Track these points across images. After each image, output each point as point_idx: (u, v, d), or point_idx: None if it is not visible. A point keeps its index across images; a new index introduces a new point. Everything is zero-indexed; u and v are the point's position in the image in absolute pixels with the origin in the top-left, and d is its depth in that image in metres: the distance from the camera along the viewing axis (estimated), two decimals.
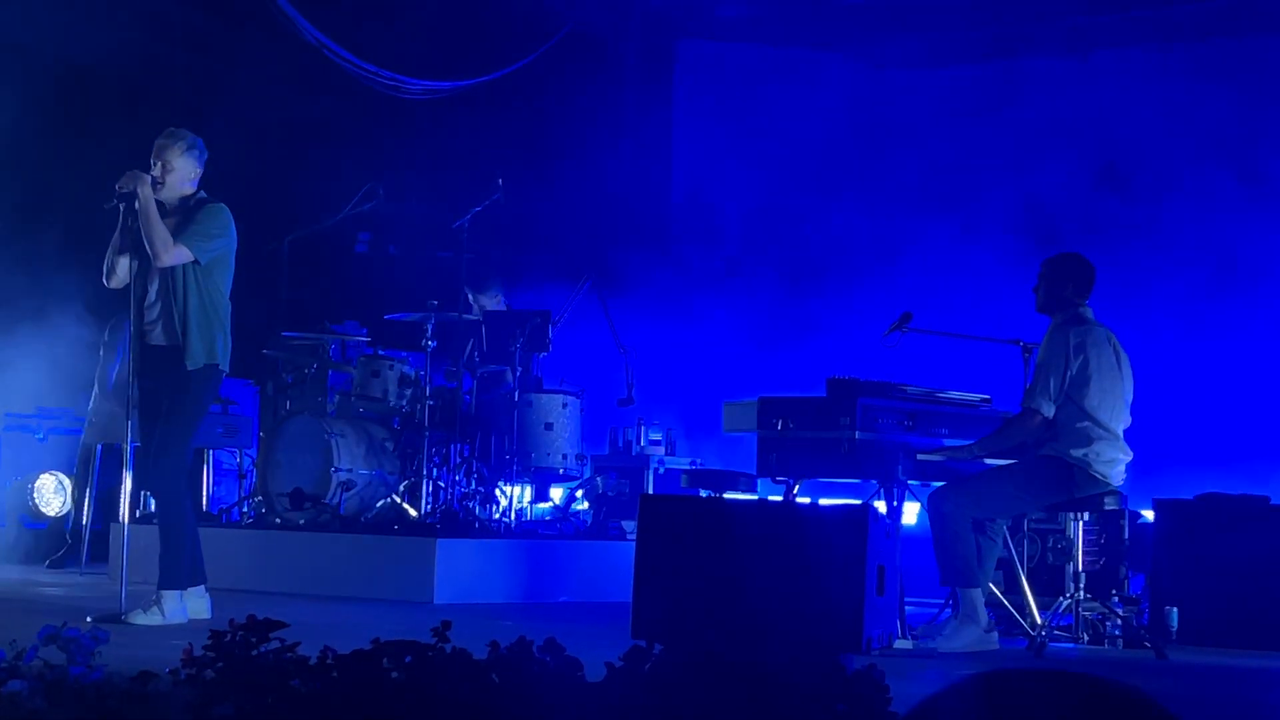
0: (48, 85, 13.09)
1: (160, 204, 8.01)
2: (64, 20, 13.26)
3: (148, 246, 7.92)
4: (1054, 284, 8.50)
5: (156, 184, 7.99)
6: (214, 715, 4.04)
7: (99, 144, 12.86)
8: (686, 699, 3.81)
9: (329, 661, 4.12)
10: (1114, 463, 8.30)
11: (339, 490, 11.00)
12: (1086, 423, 8.24)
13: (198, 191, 8.15)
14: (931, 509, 8.25)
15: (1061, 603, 8.56)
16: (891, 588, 7.69)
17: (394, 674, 4.05)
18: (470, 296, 11.98)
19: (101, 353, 12.01)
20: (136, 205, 7.91)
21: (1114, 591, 9.03)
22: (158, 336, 8.05)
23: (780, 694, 3.85)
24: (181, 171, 8.06)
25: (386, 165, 13.39)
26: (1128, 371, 8.46)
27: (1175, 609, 9.16)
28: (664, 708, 3.82)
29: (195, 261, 7.98)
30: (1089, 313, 8.46)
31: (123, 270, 8.03)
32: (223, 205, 8.13)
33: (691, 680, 3.85)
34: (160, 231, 7.89)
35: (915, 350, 9.70)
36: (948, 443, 8.43)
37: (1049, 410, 8.24)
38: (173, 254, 7.92)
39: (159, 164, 8.02)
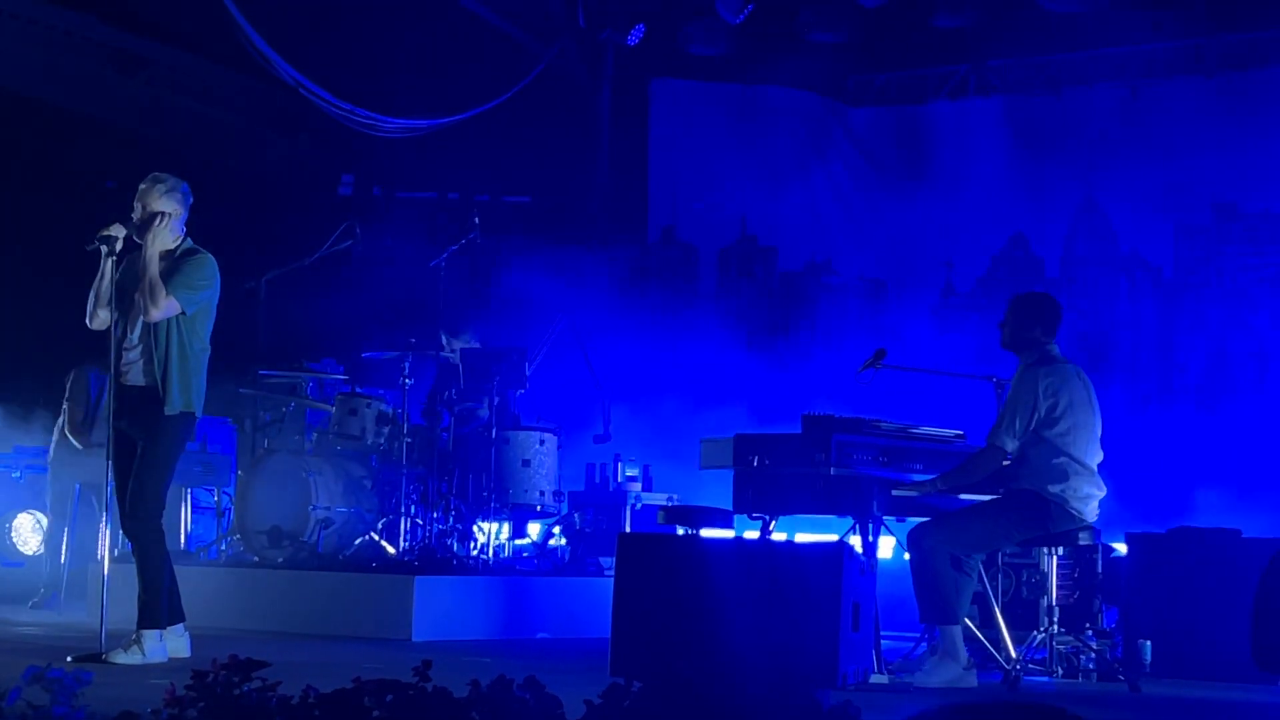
0: (18, 124, 13.16)
1: (142, 247, 8.05)
2: (34, 57, 13.32)
3: (142, 299, 7.94)
4: (1022, 324, 8.57)
5: (137, 228, 8.03)
6: None
7: (68, 183, 12.94)
8: None
9: (311, 700, 4.16)
10: (1089, 499, 8.37)
11: (317, 528, 11.01)
12: (1062, 459, 8.30)
13: (184, 239, 8.17)
14: (911, 545, 8.30)
15: (1036, 637, 8.60)
16: (867, 624, 7.74)
17: (375, 713, 4.09)
18: (444, 340, 12.03)
19: (66, 399, 12.01)
20: (116, 248, 7.96)
21: (1088, 625, 9.08)
22: (135, 377, 8.06)
23: None
24: (164, 214, 8.08)
25: (363, 203, 13.45)
26: (1095, 406, 8.53)
27: (1148, 642, 9.21)
28: None
29: (181, 312, 8.02)
30: (1055, 350, 8.53)
31: (105, 312, 8.05)
32: (209, 256, 8.15)
33: (669, 718, 3.89)
34: (157, 288, 7.93)
35: (890, 386, 9.77)
36: (915, 478, 8.49)
37: (1012, 447, 8.33)
38: (163, 309, 7.96)
39: (140, 206, 8.04)
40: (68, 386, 12.02)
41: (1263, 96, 14.11)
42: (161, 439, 8.00)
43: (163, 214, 8.03)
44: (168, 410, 7.95)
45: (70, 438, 11.91)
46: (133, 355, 8.06)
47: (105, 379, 11.67)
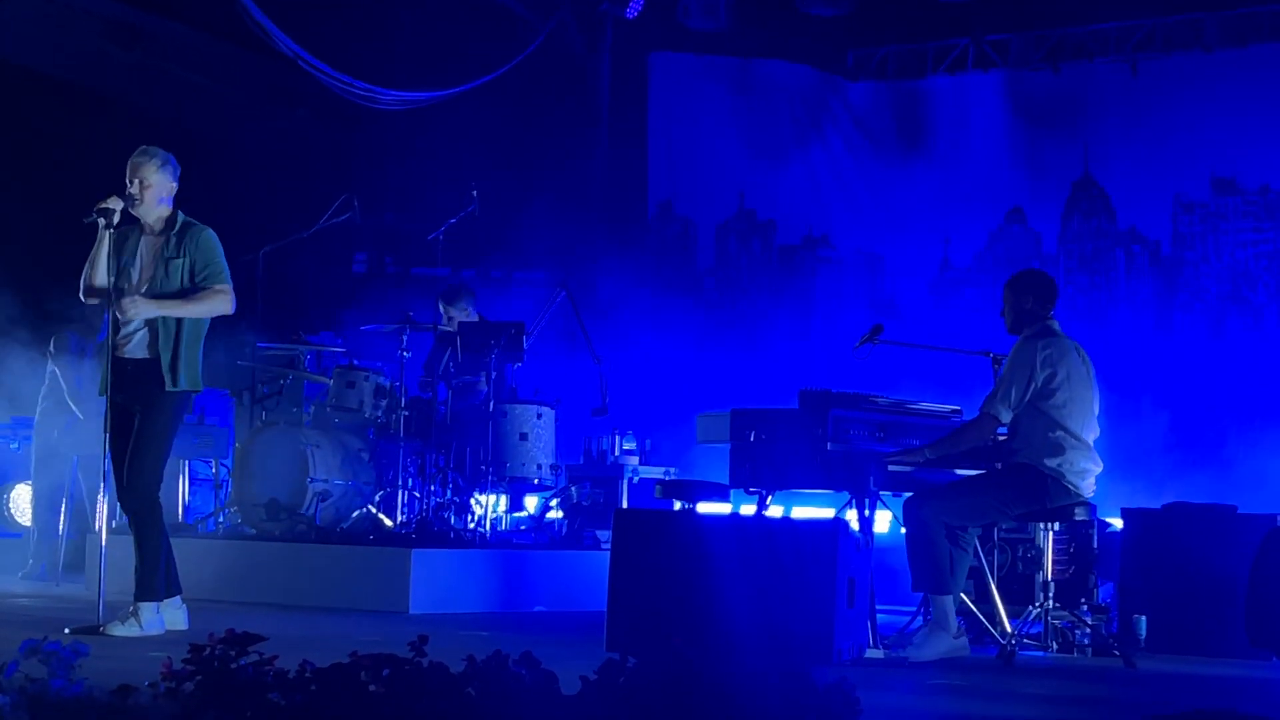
0: (15, 96, 13.14)
1: (138, 221, 8.08)
2: (32, 29, 13.28)
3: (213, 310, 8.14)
4: (1017, 301, 8.57)
5: (134, 201, 8.04)
6: None
7: (66, 156, 12.92)
8: (660, 713, 3.87)
9: (307, 675, 4.16)
10: (1085, 474, 8.37)
11: (315, 501, 11.03)
12: (1059, 432, 8.30)
13: (176, 211, 8.19)
14: (907, 515, 8.31)
15: (1031, 611, 8.63)
16: (862, 599, 7.76)
17: (372, 687, 4.10)
18: (441, 308, 12.03)
19: (49, 365, 12.03)
20: (114, 220, 7.97)
21: (1083, 600, 9.09)
22: (136, 350, 8.06)
23: (753, 708, 3.91)
24: (158, 187, 8.09)
25: (361, 176, 13.43)
26: (1094, 382, 8.54)
27: (1143, 617, 9.24)
28: None
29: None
30: (1056, 325, 8.54)
31: (101, 286, 8.05)
32: (212, 230, 8.20)
33: (665, 694, 3.91)
34: (221, 301, 8.10)
35: (887, 361, 9.78)
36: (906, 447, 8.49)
37: (1006, 416, 8.33)
38: (232, 299, 8.15)
39: (136, 181, 8.04)
40: (50, 349, 12.04)
41: (1262, 72, 14.09)
42: (163, 412, 8.03)
43: (207, 299, 8.10)
44: (171, 386, 8.00)
45: (70, 402, 11.94)
46: (132, 328, 8.07)
47: (85, 343, 11.75)
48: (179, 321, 8.03)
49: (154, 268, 8.07)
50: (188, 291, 8.05)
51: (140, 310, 7.99)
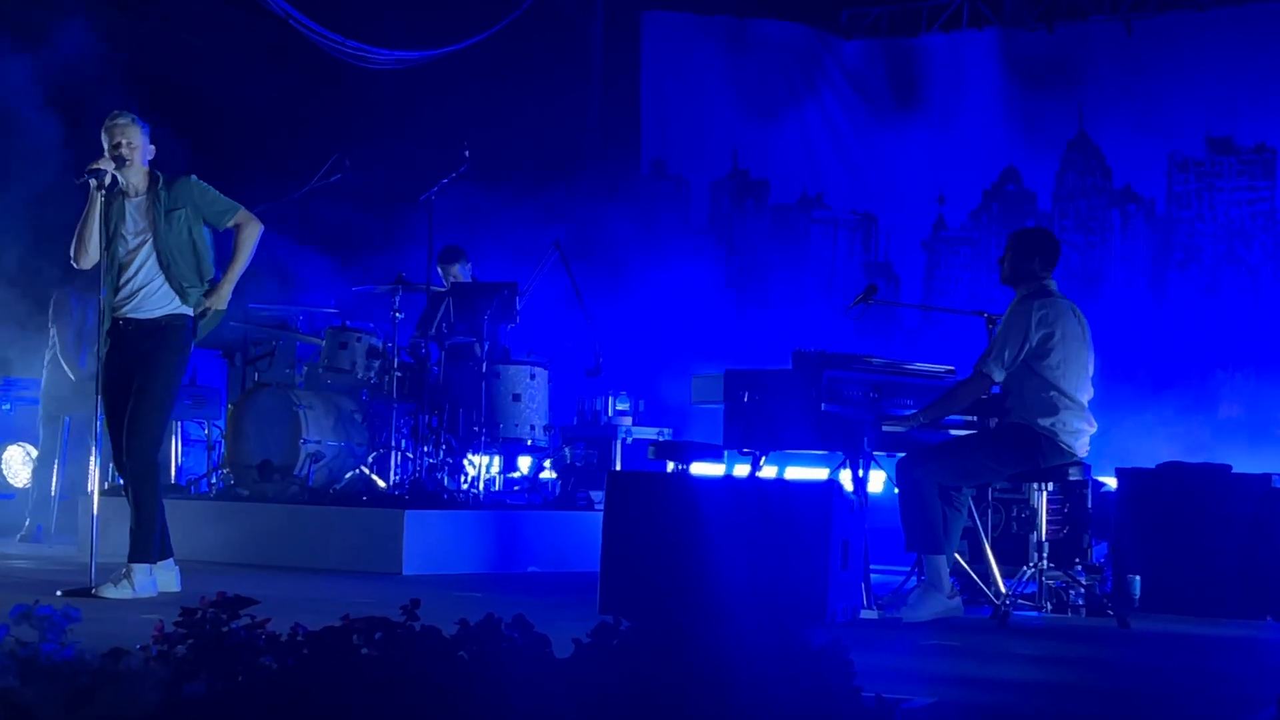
0: None
1: (117, 184, 8.05)
2: None
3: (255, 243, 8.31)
4: (1021, 257, 8.54)
5: (125, 162, 8.01)
6: (185, 692, 4.07)
7: (59, 118, 12.85)
8: (653, 676, 3.86)
9: (299, 638, 4.15)
10: (1079, 434, 8.37)
11: (307, 462, 11.01)
12: (1053, 393, 8.29)
13: (153, 169, 8.18)
14: (900, 475, 8.30)
15: (1025, 572, 8.62)
16: (856, 560, 7.75)
17: (364, 650, 4.08)
18: (440, 269, 12.01)
19: (51, 325, 12.01)
20: (105, 181, 7.94)
21: (1077, 560, 9.08)
22: (135, 311, 8.04)
23: (746, 671, 3.89)
24: (143, 148, 8.12)
25: (353, 136, 13.38)
26: (1089, 343, 8.52)
27: (1138, 577, 9.24)
28: (631, 684, 3.87)
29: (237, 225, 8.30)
30: (1053, 285, 8.52)
31: (93, 249, 8.03)
32: (193, 174, 8.23)
33: (658, 657, 3.89)
34: (254, 239, 8.32)
35: (882, 321, 9.77)
36: (905, 414, 8.48)
37: (999, 376, 8.32)
38: (259, 224, 8.36)
39: (125, 142, 8.02)
40: (50, 311, 12.01)
41: (1256, 29, 14.05)
42: (167, 372, 8.04)
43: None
44: (191, 338, 8.06)
45: (63, 363, 11.91)
46: (134, 286, 8.06)
47: (87, 300, 11.74)
48: (200, 275, 8.08)
49: (152, 225, 8.05)
50: (235, 253, 8.26)
51: (226, 296, 8.21)
